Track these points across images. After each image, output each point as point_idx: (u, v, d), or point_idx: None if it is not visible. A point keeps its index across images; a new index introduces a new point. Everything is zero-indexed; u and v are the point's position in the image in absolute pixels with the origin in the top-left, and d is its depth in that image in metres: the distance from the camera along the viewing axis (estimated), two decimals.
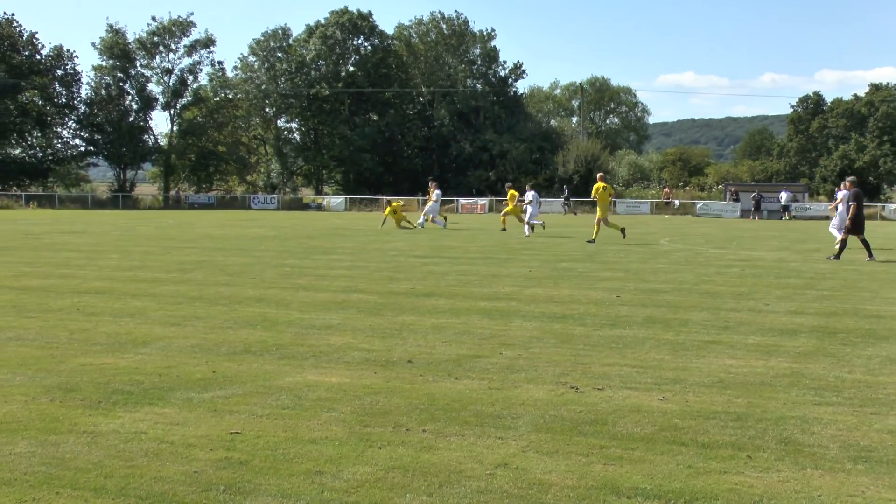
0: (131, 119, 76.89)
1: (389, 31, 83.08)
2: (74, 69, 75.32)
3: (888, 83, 74.41)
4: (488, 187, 73.38)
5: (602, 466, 5.30)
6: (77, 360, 8.22)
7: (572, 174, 69.68)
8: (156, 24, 76.29)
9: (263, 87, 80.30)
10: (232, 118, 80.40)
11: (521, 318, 11.03)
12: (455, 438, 5.83)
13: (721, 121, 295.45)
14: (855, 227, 20.57)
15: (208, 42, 78.07)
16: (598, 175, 27.83)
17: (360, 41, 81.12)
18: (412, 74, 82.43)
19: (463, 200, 66.03)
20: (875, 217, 58.45)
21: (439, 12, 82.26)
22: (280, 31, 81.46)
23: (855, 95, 75.85)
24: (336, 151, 77.98)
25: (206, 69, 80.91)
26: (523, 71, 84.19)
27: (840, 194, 25.92)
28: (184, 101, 78.39)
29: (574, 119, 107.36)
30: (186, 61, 78.08)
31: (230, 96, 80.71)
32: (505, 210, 33.88)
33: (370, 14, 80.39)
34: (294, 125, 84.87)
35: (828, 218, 38.60)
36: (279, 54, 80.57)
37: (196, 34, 77.98)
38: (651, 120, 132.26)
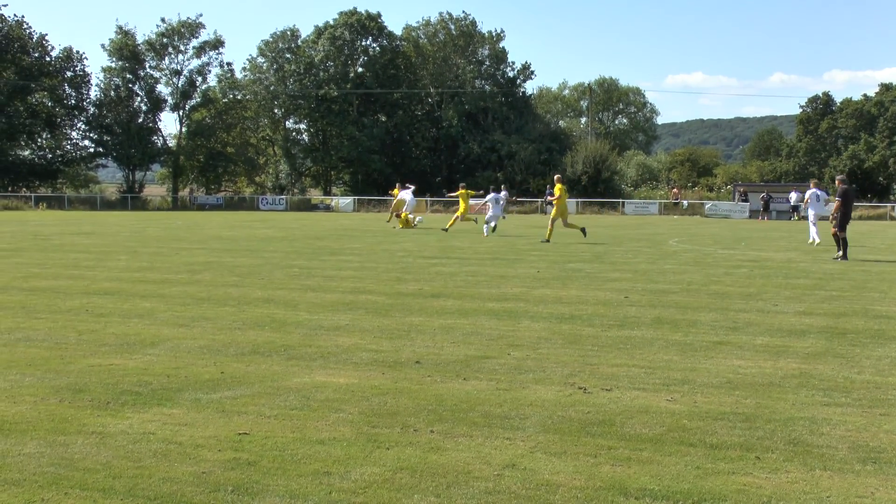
0: (140, 120, 77.04)
1: (398, 32, 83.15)
2: (84, 71, 75.49)
3: None
4: (497, 189, 73.29)
5: (610, 467, 5.29)
6: (86, 361, 8.25)
7: (581, 175, 69.61)
8: (165, 25, 76.44)
9: (272, 88, 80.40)
10: (240, 119, 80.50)
11: (529, 319, 11.02)
12: (463, 439, 5.83)
13: (730, 121, 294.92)
14: (840, 223, 20.96)
15: (217, 43, 78.20)
16: (556, 177, 28.60)
17: (368, 42, 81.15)
18: (420, 75, 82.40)
19: (471, 201, 65.85)
20: (885, 217, 58.25)
21: (447, 13, 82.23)
22: (289, 33, 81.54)
23: (864, 95, 75.55)
24: (344, 152, 78.02)
25: (215, 70, 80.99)
26: (532, 72, 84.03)
27: (808, 193, 27.00)
28: (193, 102, 78.51)
29: (583, 120, 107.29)
30: (195, 62, 78.25)
31: (239, 97, 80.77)
32: (462, 209, 33.77)
33: (379, 15, 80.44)
34: (302, 126, 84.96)
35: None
36: (288, 55, 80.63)
37: (205, 35, 78.10)
38: (660, 120, 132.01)
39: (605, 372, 7.93)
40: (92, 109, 76.24)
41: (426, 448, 5.63)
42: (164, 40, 76.39)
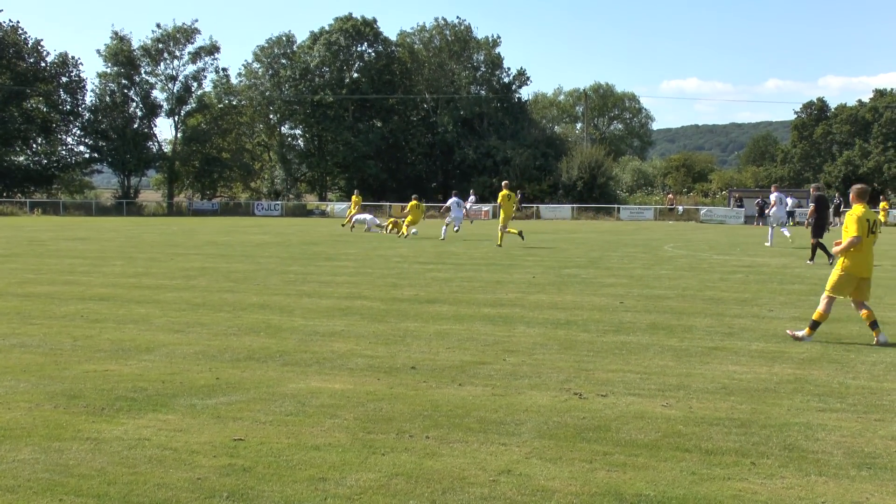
0: (135, 126, 76.93)
1: (393, 37, 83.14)
2: (79, 76, 75.42)
3: (892, 89, 74.22)
4: (492, 194, 73.35)
5: (605, 473, 5.29)
6: (81, 367, 8.23)
7: (576, 180, 69.69)
8: (160, 31, 76.36)
9: (267, 93, 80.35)
10: (236, 125, 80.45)
11: (524, 325, 11.03)
12: (458, 445, 5.83)
13: (725, 127, 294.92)
14: (815, 230, 21.67)
15: (213, 49, 78.13)
16: (503, 183, 29.27)
17: (364, 48, 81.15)
18: (416, 81, 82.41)
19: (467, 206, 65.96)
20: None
21: (442, 18, 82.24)
22: (284, 38, 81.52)
23: (859, 101, 75.76)
24: (340, 158, 78.03)
25: (211, 76, 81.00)
26: (527, 77, 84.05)
27: (772, 197, 28.03)
28: (188, 107, 78.42)
29: (578, 125, 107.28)
30: (191, 68, 78.15)
31: (234, 103, 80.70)
32: (409, 219, 33.88)
33: (374, 21, 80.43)
34: (298, 131, 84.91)
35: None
36: (283, 61, 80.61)
37: (200, 41, 77.99)
38: (655, 126, 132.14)
39: (601, 377, 7.93)
40: (87, 115, 76.16)
41: (421, 454, 5.62)
42: (160, 46, 76.32)
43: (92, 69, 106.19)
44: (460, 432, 6.12)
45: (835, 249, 10.27)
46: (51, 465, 5.35)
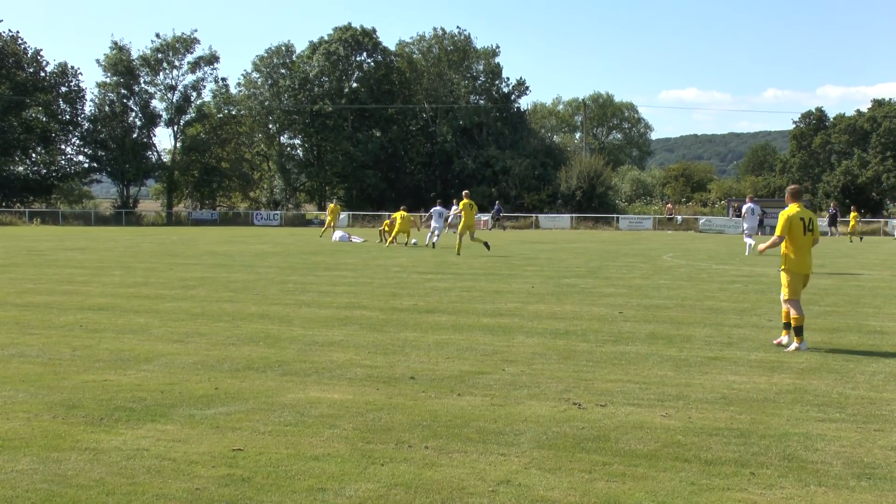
0: (135, 135, 76.96)
1: (392, 47, 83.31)
2: (78, 86, 75.52)
3: (891, 99, 74.55)
4: (491, 203, 73.44)
5: (605, 483, 5.28)
6: (79, 377, 8.22)
7: (575, 190, 69.78)
8: (160, 40, 76.47)
9: (267, 103, 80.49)
10: (235, 134, 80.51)
11: (523, 335, 11.02)
12: (457, 455, 5.82)
13: (724, 136, 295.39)
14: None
15: (212, 58, 78.24)
16: (464, 193, 30.04)
17: (363, 57, 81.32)
18: (415, 90, 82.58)
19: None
20: (878, 233, 58.40)
21: (441, 28, 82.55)
22: (283, 48, 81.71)
23: (857, 111, 75.96)
24: (339, 167, 78.15)
25: (210, 85, 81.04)
26: (526, 87, 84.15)
27: (744, 207, 28.66)
28: (187, 117, 78.49)
29: (577, 135, 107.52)
30: (190, 78, 78.24)
31: (233, 112, 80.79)
32: (396, 229, 34.11)
33: (373, 30, 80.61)
34: (297, 141, 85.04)
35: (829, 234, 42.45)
36: (282, 70, 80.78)
37: (200, 51, 78.09)
38: (654, 136, 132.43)
39: (600, 387, 7.93)
40: (86, 125, 76.21)
41: (421, 464, 5.62)
42: (159, 55, 76.42)
43: (91, 79, 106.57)
44: (459, 442, 6.12)
45: (760, 247, 11.28)
46: (49, 475, 5.35)
